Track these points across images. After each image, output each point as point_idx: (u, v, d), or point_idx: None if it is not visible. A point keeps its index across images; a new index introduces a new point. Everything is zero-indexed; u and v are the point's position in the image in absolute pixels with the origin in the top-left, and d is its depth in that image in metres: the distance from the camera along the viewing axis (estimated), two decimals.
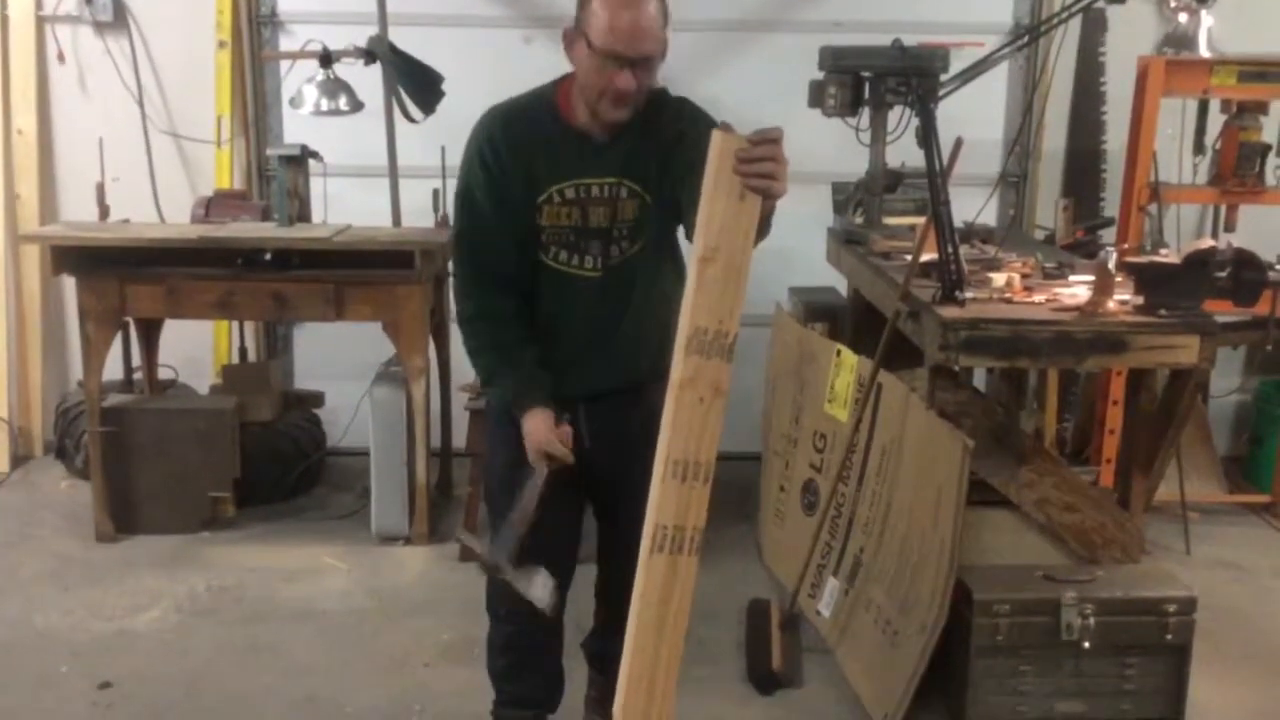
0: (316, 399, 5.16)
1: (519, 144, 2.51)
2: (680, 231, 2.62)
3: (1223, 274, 3.36)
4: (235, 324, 5.15)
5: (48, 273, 4.65)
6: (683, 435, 2.03)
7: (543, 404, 2.57)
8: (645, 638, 2.06)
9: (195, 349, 5.21)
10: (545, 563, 2.65)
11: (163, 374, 4.96)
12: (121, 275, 4.27)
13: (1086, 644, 3.07)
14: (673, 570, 2.05)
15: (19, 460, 5.24)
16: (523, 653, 2.85)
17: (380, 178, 4.70)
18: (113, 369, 4.60)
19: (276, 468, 4.78)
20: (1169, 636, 3.10)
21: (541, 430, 2.55)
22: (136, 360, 4.84)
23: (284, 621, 3.86)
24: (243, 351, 5.13)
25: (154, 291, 4.29)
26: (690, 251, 2.07)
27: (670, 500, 2.04)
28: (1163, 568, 3.58)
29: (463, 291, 2.65)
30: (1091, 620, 3.06)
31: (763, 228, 2.37)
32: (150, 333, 4.80)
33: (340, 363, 5.11)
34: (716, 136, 2.01)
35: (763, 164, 1.99)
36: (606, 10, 2.36)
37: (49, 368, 5.37)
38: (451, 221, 2.73)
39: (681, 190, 2.44)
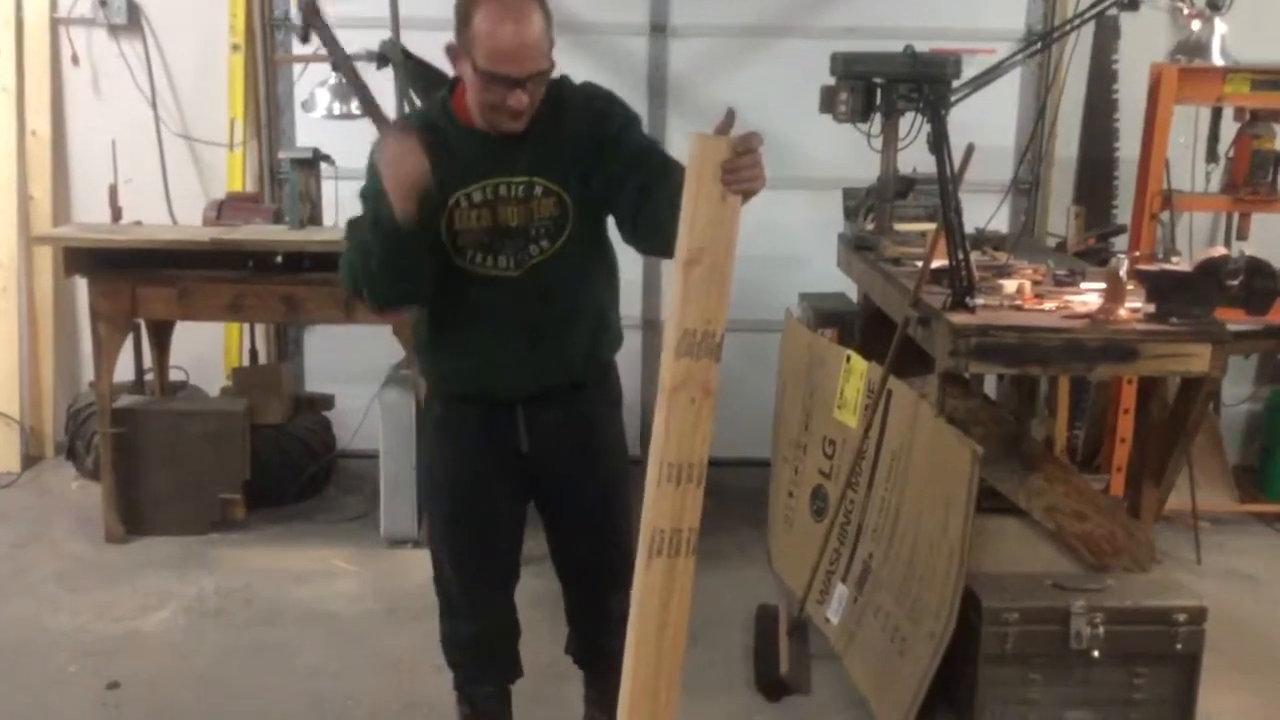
0: (327, 401, 5.17)
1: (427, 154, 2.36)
2: (610, 226, 2.59)
3: (1235, 282, 3.35)
4: (246, 326, 5.17)
5: (60, 274, 4.67)
6: (676, 438, 2.04)
7: None
8: (647, 642, 2.06)
9: (206, 351, 5.23)
10: (488, 561, 2.76)
11: (173, 376, 4.98)
12: (133, 277, 4.29)
13: (1096, 653, 3.05)
14: (670, 573, 2.06)
15: (30, 461, 5.26)
16: (482, 650, 2.85)
17: None
18: (124, 370, 4.61)
19: (286, 470, 4.80)
20: (1179, 646, 3.08)
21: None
22: (148, 362, 4.86)
23: (293, 623, 3.87)
24: (253, 354, 5.14)
25: (166, 293, 4.31)
26: (672, 257, 2.08)
27: (666, 503, 2.04)
28: (1173, 577, 3.55)
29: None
30: (1101, 629, 3.04)
31: None
32: (161, 334, 4.82)
33: (350, 365, 5.11)
34: (696, 141, 2.04)
35: (749, 170, 2.04)
36: (488, 30, 2.30)
37: (60, 369, 5.39)
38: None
39: (618, 190, 2.44)
